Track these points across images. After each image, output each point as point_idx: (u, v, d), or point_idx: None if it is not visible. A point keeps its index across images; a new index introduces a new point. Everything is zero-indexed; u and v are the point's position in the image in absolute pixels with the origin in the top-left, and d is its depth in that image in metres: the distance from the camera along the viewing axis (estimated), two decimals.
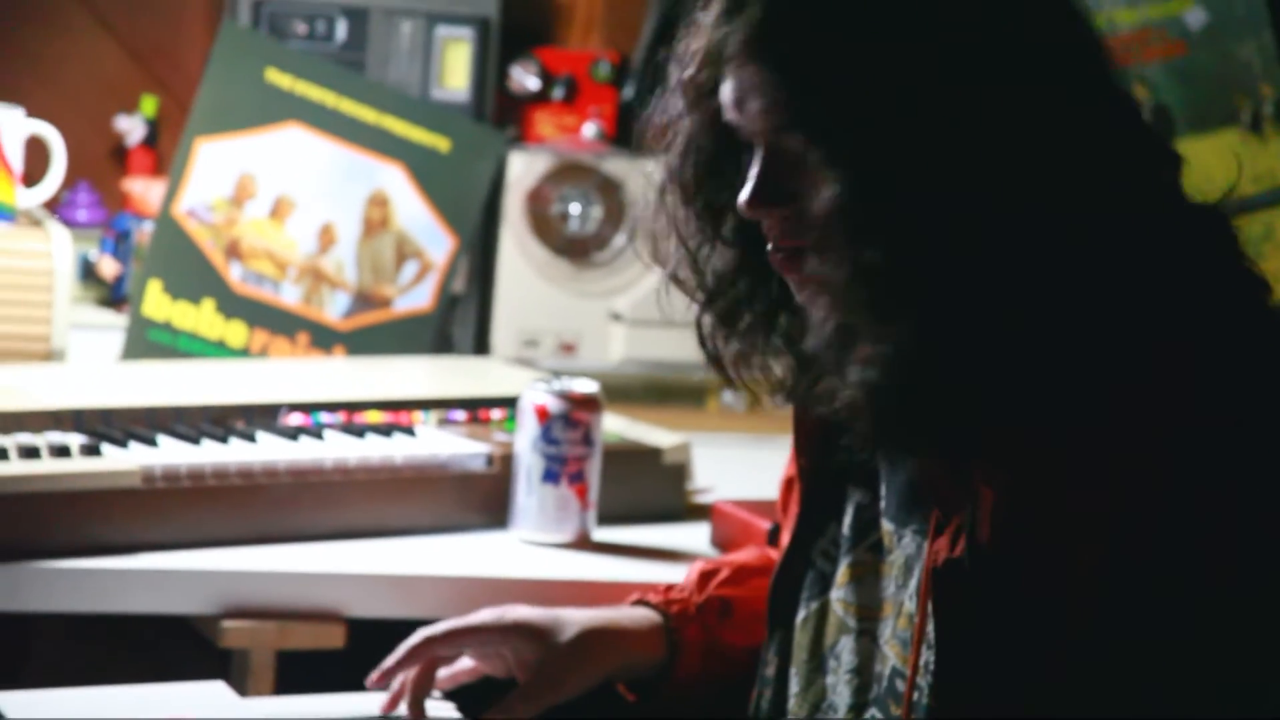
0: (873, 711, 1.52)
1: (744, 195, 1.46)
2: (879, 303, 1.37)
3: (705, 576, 1.78)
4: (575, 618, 1.73)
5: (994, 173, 1.36)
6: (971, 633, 1.42)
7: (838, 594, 1.57)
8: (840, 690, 1.54)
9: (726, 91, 1.46)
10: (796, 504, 1.64)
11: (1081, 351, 1.38)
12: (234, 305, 2.60)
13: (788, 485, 1.70)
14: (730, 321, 1.58)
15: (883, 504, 1.55)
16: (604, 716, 1.78)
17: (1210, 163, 2.43)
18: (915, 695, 1.47)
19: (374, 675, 1.71)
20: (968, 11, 1.38)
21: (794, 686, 1.58)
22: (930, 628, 1.45)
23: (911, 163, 1.36)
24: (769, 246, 1.48)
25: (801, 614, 1.59)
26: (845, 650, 1.54)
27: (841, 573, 1.57)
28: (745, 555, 1.83)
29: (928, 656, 1.46)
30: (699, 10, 1.49)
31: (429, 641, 1.72)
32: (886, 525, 1.54)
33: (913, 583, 1.50)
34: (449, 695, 1.79)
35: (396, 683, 1.71)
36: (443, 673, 1.74)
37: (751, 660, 1.68)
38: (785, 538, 1.65)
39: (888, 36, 1.37)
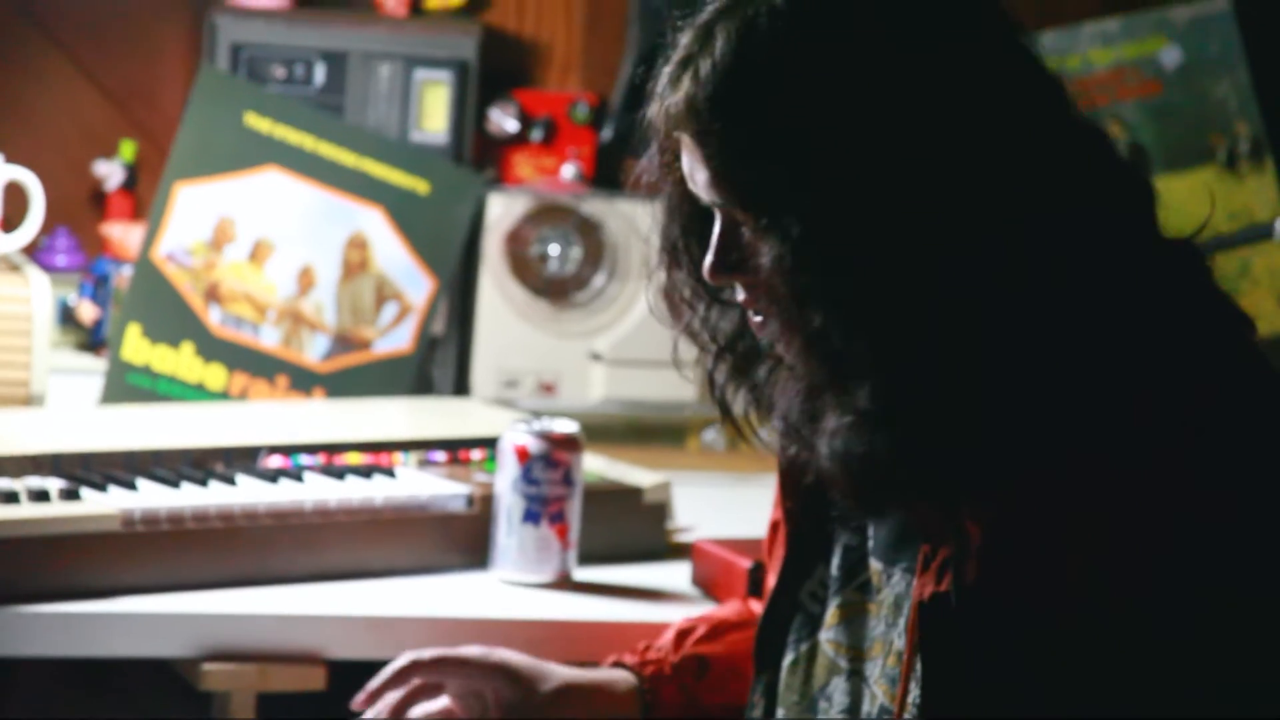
0: None
1: (705, 263, 1.47)
2: (834, 369, 1.38)
3: (681, 635, 1.79)
4: (558, 671, 1.75)
5: (945, 225, 1.37)
6: (958, 667, 1.42)
7: (827, 635, 1.56)
8: None
9: (683, 161, 1.48)
10: (782, 546, 1.63)
11: (1061, 393, 1.38)
12: (213, 348, 2.60)
13: (774, 528, 1.70)
14: (739, 375, 1.58)
15: (870, 543, 1.55)
16: None
17: (1186, 201, 2.44)
18: None
19: (360, 697, 1.72)
20: (908, 70, 1.38)
21: None
22: (918, 663, 1.45)
23: (852, 227, 1.37)
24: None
25: (790, 656, 1.59)
26: (837, 691, 1.54)
27: (831, 614, 1.56)
28: (724, 610, 1.84)
29: (915, 693, 1.46)
30: (656, 76, 1.50)
31: (415, 665, 1.72)
32: (875, 564, 1.54)
33: (902, 620, 1.50)
34: None
35: (382, 704, 1.72)
36: (415, 712, 1.74)
37: (730, 717, 1.69)
38: (771, 580, 1.64)
39: (817, 105, 1.37)
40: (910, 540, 1.50)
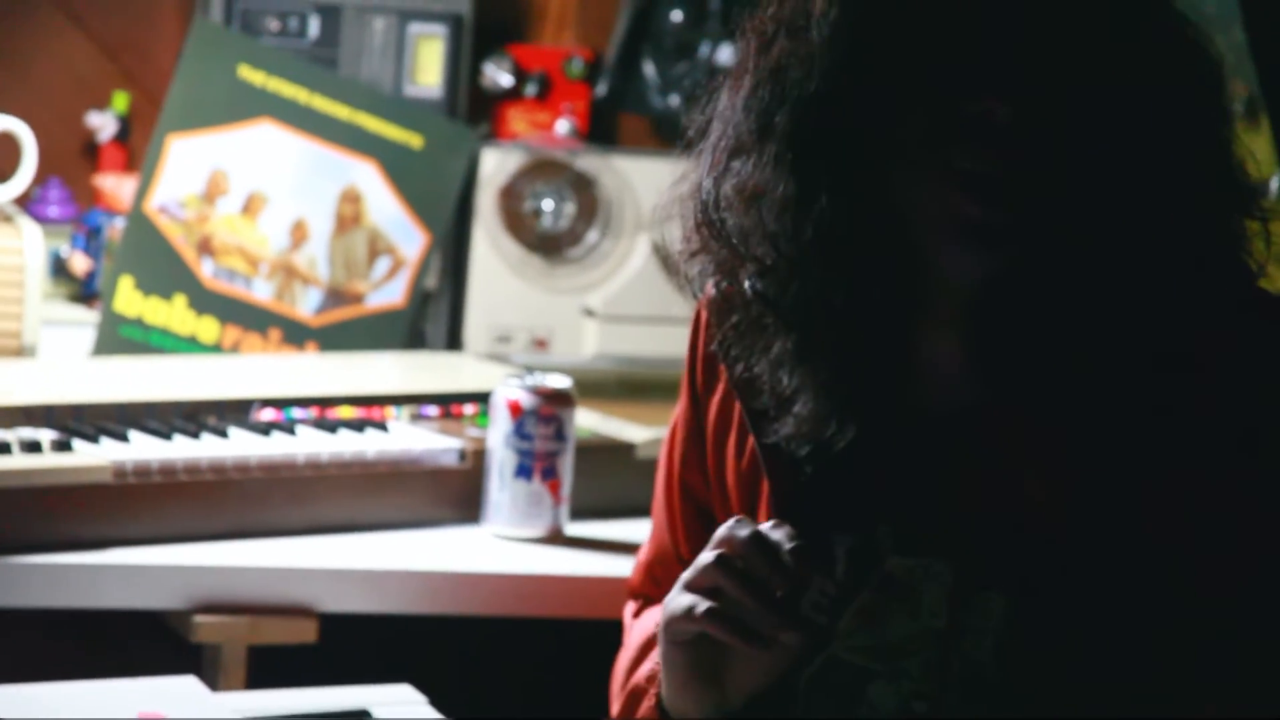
0: None
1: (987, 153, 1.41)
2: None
3: None
4: None
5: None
6: (1063, 629, 1.43)
7: (848, 643, 1.51)
8: None
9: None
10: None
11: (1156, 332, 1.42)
12: (206, 301, 2.60)
13: (680, 491, 1.65)
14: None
15: (887, 541, 1.51)
16: None
17: None
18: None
19: None
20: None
21: None
22: (958, 649, 1.45)
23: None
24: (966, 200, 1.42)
25: (810, 669, 1.52)
26: (880, 696, 1.50)
27: (849, 620, 1.51)
28: None
29: (970, 672, 1.46)
30: None
31: None
32: (902, 561, 1.50)
33: (938, 608, 1.47)
34: (425, 690, 1.78)
35: None
36: None
37: None
38: None
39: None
40: (944, 530, 1.48)
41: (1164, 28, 1.44)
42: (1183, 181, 1.43)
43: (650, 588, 1.65)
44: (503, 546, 2.09)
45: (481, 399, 2.25)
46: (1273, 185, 2.48)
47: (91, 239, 2.84)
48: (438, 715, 1.75)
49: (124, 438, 2.05)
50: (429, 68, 2.81)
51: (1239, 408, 1.42)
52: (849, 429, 1.48)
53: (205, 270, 2.61)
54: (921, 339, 1.48)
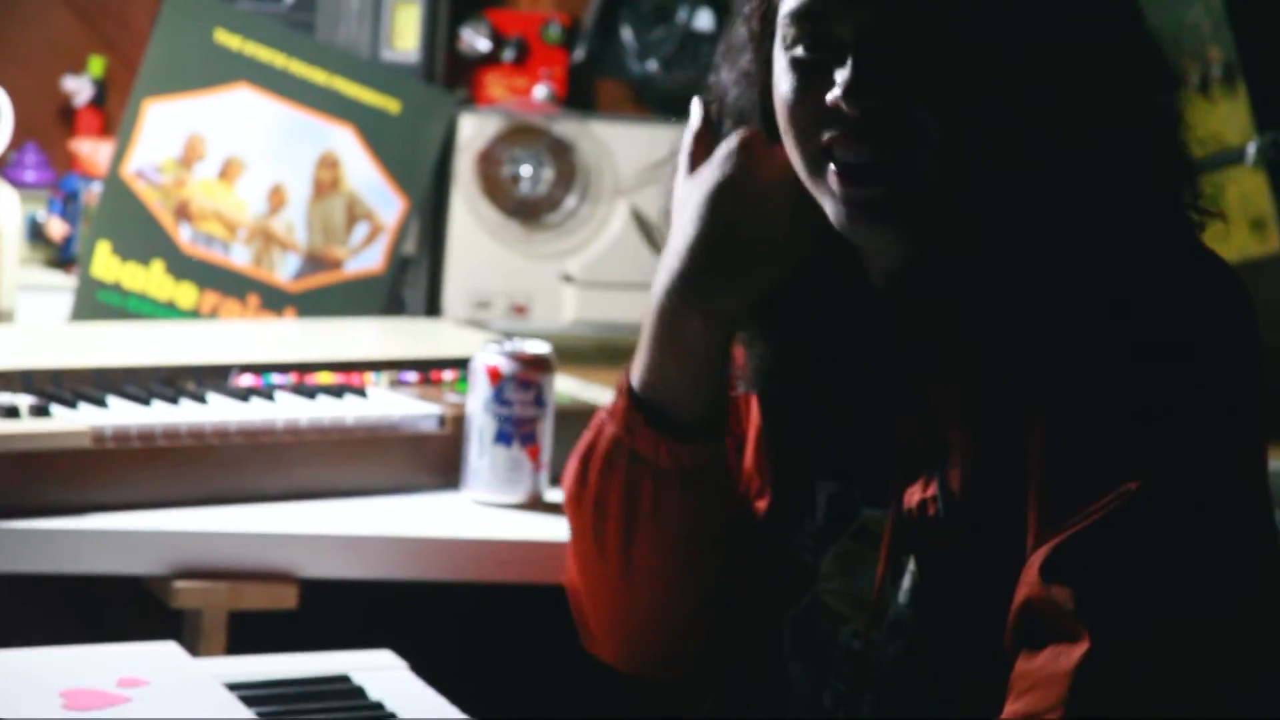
0: (841, 679, 1.51)
1: (845, 85, 1.40)
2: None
3: None
4: None
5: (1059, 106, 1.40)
6: (948, 573, 1.43)
7: (828, 586, 1.54)
8: (843, 679, 1.53)
9: None
10: (760, 498, 1.61)
11: (1068, 292, 1.39)
12: (184, 266, 2.59)
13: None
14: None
15: (860, 491, 1.54)
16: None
17: None
18: (872, 653, 1.48)
19: None
20: None
21: (799, 680, 1.55)
22: (909, 576, 1.46)
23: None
24: (835, 140, 1.42)
25: (794, 609, 1.56)
26: (848, 640, 1.52)
27: (828, 564, 1.54)
28: None
29: (898, 604, 1.47)
30: None
31: None
32: (872, 512, 1.52)
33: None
34: (405, 655, 1.79)
35: None
36: None
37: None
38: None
39: None
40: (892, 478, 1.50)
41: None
42: (1087, 149, 1.41)
43: None
44: (482, 512, 2.09)
45: (461, 365, 2.25)
46: (1250, 150, 2.49)
47: (68, 204, 2.83)
48: (418, 680, 1.76)
49: (102, 403, 2.04)
50: (406, 32, 2.80)
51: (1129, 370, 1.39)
52: (807, 377, 1.53)
53: (183, 235, 2.60)
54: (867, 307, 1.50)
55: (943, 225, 1.43)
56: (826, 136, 1.43)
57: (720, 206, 1.51)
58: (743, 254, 1.50)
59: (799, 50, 1.43)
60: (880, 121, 1.40)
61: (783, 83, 1.45)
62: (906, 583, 1.47)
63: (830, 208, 1.45)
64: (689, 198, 1.53)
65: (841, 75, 1.40)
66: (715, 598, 1.60)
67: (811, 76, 1.43)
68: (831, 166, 1.43)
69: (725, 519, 1.59)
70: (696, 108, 1.58)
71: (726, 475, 1.59)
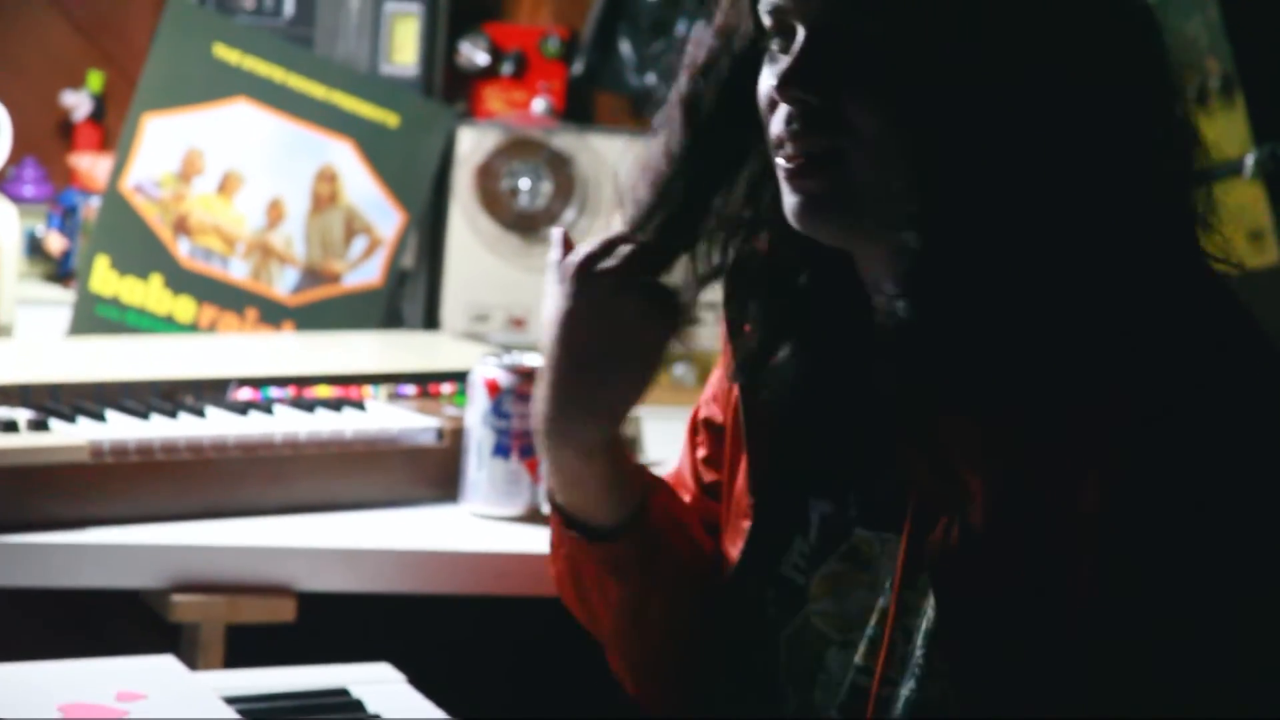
0: (844, 714, 1.49)
1: (780, 76, 1.40)
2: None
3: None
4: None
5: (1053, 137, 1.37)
6: (979, 621, 1.40)
7: (816, 608, 1.53)
8: (828, 703, 1.51)
9: None
10: (746, 518, 1.60)
11: (1086, 326, 1.37)
12: (182, 280, 2.59)
13: (696, 428, 1.68)
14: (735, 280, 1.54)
15: (854, 512, 1.53)
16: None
17: None
18: (884, 692, 1.46)
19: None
20: None
21: (792, 705, 1.54)
22: (903, 626, 1.44)
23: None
24: (783, 134, 1.42)
25: (787, 630, 1.55)
26: (833, 664, 1.51)
27: (816, 585, 1.53)
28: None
29: (911, 648, 1.45)
30: None
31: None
32: (864, 534, 1.52)
33: (887, 583, 1.48)
34: (404, 669, 1.79)
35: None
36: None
37: (685, 545, 1.64)
38: (734, 553, 1.59)
39: None
40: (900, 506, 1.49)
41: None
42: (1079, 163, 1.38)
43: None
44: (480, 525, 2.09)
45: (459, 378, 2.25)
46: (1248, 162, 2.49)
47: (67, 218, 2.84)
48: (416, 693, 1.76)
49: (101, 417, 2.04)
50: (405, 46, 2.81)
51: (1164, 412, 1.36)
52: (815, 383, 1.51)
53: (181, 250, 2.60)
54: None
55: (893, 227, 1.40)
56: (776, 132, 1.44)
57: (564, 341, 1.50)
58: (596, 386, 1.50)
59: (773, 44, 1.44)
60: (813, 116, 1.41)
61: (761, 77, 1.46)
62: (924, 624, 1.45)
63: (784, 202, 1.45)
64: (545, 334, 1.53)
65: (782, 67, 1.42)
66: (698, 637, 1.61)
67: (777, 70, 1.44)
68: (780, 160, 1.44)
69: (676, 582, 1.60)
70: (556, 237, 1.56)
71: (660, 552, 1.59)
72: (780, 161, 1.44)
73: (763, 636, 1.56)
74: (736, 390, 1.59)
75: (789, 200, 1.44)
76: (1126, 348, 1.37)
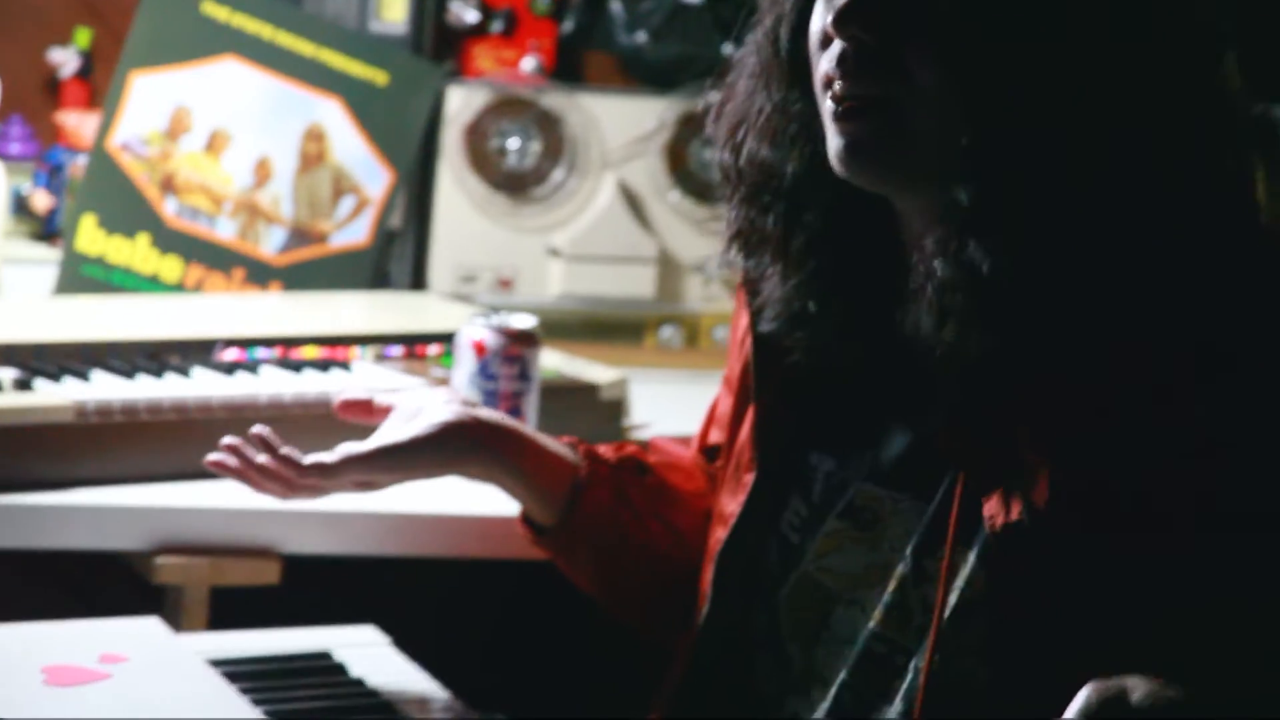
0: (857, 679, 1.48)
1: (839, 9, 1.37)
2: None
3: (624, 446, 1.76)
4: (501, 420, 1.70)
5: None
6: (1034, 597, 1.37)
7: (819, 564, 1.52)
8: (832, 662, 1.49)
9: None
10: (749, 471, 1.59)
11: (1147, 292, 1.35)
12: (169, 240, 2.58)
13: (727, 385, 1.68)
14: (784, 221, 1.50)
15: (855, 467, 1.50)
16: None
17: None
18: (899, 661, 1.45)
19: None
20: None
21: (797, 662, 1.53)
22: (956, 597, 1.41)
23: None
24: (833, 72, 1.39)
25: (785, 589, 1.54)
26: (837, 621, 1.49)
27: (820, 542, 1.52)
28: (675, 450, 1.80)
29: (926, 621, 1.43)
30: None
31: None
32: (876, 491, 1.48)
33: (908, 547, 1.45)
34: (390, 631, 1.78)
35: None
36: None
37: (643, 533, 1.68)
38: (734, 507, 1.58)
39: None
40: (921, 467, 1.45)
41: None
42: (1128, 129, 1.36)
43: None
44: (466, 487, 2.07)
45: (446, 339, 2.24)
46: None
47: (53, 176, 2.82)
48: (400, 655, 1.75)
49: (86, 377, 2.03)
50: (394, 3, 2.79)
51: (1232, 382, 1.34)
52: (842, 342, 1.49)
53: (168, 208, 2.59)
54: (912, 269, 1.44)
55: (942, 181, 1.37)
56: (825, 69, 1.40)
57: None
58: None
59: None
60: (868, 58, 1.37)
61: (816, 8, 1.43)
62: (953, 598, 1.41)
63: (829, 146, 1.42)
64: None
65: (838, 3, 1.37)
66: (687, 596, 1.63)
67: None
68: (828, 103, 1.41)
69: (635, 562, 1.68)
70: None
71: (601, 540, 1.68)
72: (828, 103, 1.40)
73: (763, 593, 1.55)
74: (749, 344, 1.57)
75: (834, 143, 1.41)
76: (1190, 312, 1.34)
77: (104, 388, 2.01)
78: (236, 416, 2.04)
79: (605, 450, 1.72)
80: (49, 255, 2.69)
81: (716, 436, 1.71)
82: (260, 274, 2.61)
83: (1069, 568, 1.36)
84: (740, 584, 1.57)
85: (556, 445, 1.70)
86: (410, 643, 1.78)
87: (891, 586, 1.45)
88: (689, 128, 2.73)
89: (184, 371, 2.09)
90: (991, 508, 1.38)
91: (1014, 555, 1.37)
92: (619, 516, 1.68)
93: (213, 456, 1.62)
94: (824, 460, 1.52)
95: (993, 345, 1.37)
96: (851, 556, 1.49)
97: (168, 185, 2.59)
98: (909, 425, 1.48)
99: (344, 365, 2.19)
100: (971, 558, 1.41)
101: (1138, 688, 1.23)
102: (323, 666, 1.70)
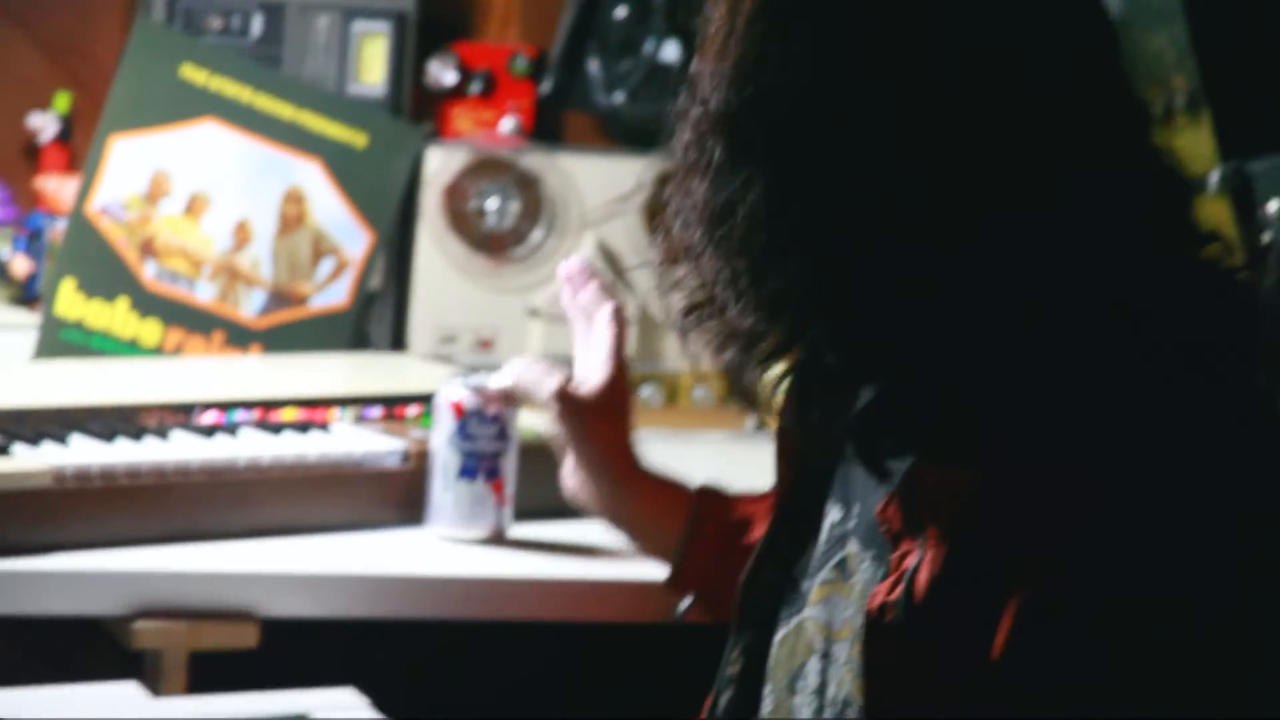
0: None
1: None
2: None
3: (737, 500, 1.81)
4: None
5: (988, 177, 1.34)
6: (897, 689, 1.37)
7: (810, 613, 1.52)
8: (804, 711, 1.50)
9: None
10: (774, 510, 1.60)
11: (1060, 394, 1.32)
12: (148, 304, 2.58)
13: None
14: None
15: (852, 523, 1.52)
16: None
17: None
18: None
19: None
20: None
21: (767, 705, 1.53)
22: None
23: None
24: None
25: (782, 631, 1.54)
26: (811, 672, 1.50)
27: (815, 591, 1.52)
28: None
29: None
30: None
31: None
32: (853, 546, 1.50)
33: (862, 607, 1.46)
34: (370, 695, 1.78)
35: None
36: None
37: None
38: (757, 536, 1.61)
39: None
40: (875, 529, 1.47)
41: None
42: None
43: None
44: (446, 548, 2.08)
45: (426, 400, 2.24)
46: (1212, 179, 2.49)
47: (33, 241, 2.83)
48: (380, 718, 1.75)
49: (64, 442, 2.03)
50: (373, 66, 2.80)
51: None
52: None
53: (148, 272, 2.59)
54: None
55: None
56: None
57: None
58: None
59: None
60: None
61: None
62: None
63: None
64: None
65: None
66: None
67: None
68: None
69: None
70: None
71: (722, 587, 1.70)
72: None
73: (764, 633, 1.56)
74: None
75: None
76: (1104, 417, 1.31)
77: (83, 452, 2.01)
78: (215, 480, 2.04)
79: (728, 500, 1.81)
80: (28, 320, 2.69)
81: None
82: (240, 337, 2.61)
83: (939, 665, 1.35)
84: (752, 622, 1.58)
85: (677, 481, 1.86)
86: (389, 705, 1.77)
87: (856, 650, 1.45)
88: (667, 187, 2.74)
89: (163, 435, 2.09)
90: (881, 588, 1.39)
91: (885, 641, 1.37)
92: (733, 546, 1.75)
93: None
94: (833, 509, 1.54)
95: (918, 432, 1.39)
96: (833, 609, 1.50)
97: (147, 249, 2.59)
98: (890, 485, 1.49)
99: (323, 427, 2.19)
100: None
101: None
102: None
